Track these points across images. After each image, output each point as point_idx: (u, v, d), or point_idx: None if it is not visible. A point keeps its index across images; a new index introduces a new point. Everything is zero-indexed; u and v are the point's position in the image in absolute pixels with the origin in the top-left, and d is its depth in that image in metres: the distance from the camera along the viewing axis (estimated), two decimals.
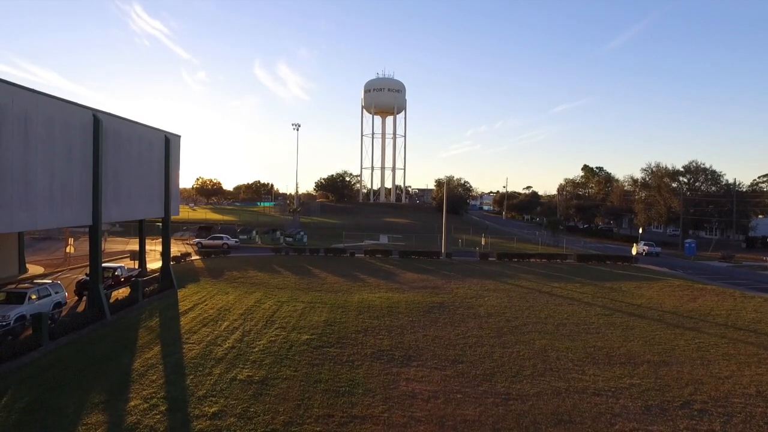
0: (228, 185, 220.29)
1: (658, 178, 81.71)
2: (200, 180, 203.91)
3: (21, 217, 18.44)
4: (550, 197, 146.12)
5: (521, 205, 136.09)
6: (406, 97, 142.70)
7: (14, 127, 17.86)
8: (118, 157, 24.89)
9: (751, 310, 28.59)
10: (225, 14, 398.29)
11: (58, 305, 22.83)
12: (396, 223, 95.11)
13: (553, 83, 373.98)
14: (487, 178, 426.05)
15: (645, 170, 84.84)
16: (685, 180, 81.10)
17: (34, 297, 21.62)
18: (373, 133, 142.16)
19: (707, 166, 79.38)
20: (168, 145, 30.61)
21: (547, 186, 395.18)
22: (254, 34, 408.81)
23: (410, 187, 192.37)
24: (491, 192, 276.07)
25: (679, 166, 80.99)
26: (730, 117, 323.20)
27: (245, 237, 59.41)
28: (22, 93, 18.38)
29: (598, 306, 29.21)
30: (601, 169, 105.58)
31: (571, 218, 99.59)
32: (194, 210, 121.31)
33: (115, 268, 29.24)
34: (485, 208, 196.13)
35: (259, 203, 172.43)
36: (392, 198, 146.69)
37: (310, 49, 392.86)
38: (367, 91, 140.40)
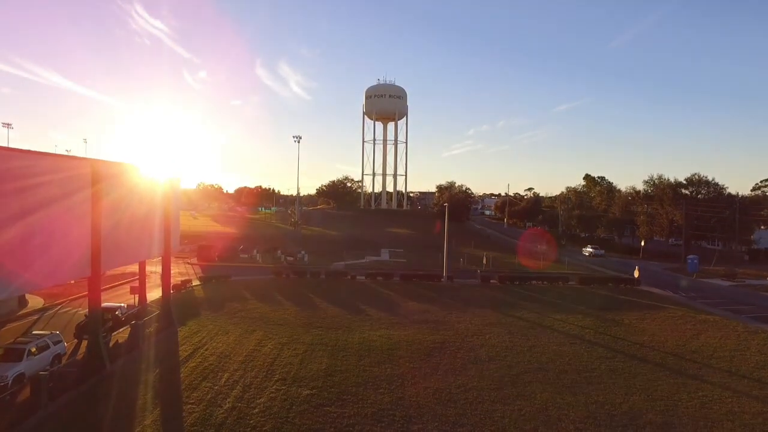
0: (229, 186, 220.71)
1: (661, 190, 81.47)
2: (202, 185, 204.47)
3: (19, 280, 18.30)
4: (552, 200, 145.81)
5: (523, 212, 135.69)
6: (407, 103, 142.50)
7: (11, 191, 17.73)
8: (117, 203, 24.74)
9: (755, 351, 28.38)
10: (226, 13, 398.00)
11: (58, 357, 22.77)
12: (397, 234, 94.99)
13: (555, 82, 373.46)
14: (488, 179, 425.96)
15: (647, 182, 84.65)
16: (688, 192, 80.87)
17: (33, 350, 21.57)
18: (374, 140, 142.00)
19: (710, 178, 79.22)
20: (167, 183, 30.50)
21: (549, 187, 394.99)
22: (255, 34, 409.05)
23: (411, 193, 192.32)
24: (492, 195, 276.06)
25: (681, 177, 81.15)
26: (732, 116, 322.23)
27: (246, 256, 59.43)
28: (19, 155, 18.27)
29: (600, 346, 29.02)
30: (602, 178, 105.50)
31: (572, 228, 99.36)
32: (196, 218, 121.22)
33: (115, 308, 29.16)
34: (487, 212, 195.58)
35: (261, 208, 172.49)
36: (393, 204, 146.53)
37: (311, 48, 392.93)
38: (368, 97, 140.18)
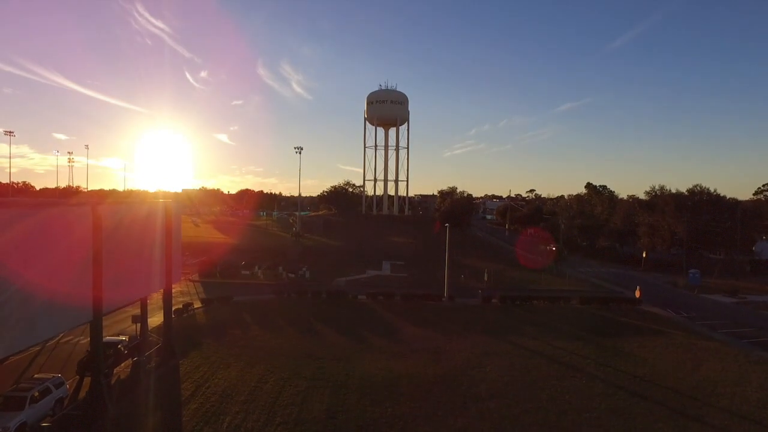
0: (231, 186, 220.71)
1: (663, 201, 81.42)
2: (203, 189, 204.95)
3: (20, 337, 18.41)
4: (554, 203, 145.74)
5: (524, 218, 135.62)
6: (409, 109, 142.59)
7: (11, 248, 17.82)
8: (118, 244, 24.75)
9: (756, 386, 28.33)
10: (227, 13, 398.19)
11: (60, 401, 22.85)
12: (399, 244, 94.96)
13: (557, 82, 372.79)
14: (490, 179, 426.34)
15: (649, 193, 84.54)
16: (689, 203, 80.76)
17: (36, 395, 21.64)
18: (376, 145, 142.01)
19: (711, 189, 79.15)
20: (168, 215, 30.56)
21: (551, 188, 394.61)
22: (257, 33, 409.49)
23: (413, 196, 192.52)
24: (494, 197, 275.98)
25: (682, 178, 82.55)
26: (736, 116, 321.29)
27: (248, 273, 59.62)
28: (19, 212, 18.39)
29: (600, 380, 29.02)
30: (604, 187, 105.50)
31: (574, 238, 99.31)
32: (197, 225, 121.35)
33: (117, 343, 29.10)
34: (488, 217, 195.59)
35: (262, 213, 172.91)
36: (395, 210, 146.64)
37: (312, 48, 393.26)
38: (370, 103, 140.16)
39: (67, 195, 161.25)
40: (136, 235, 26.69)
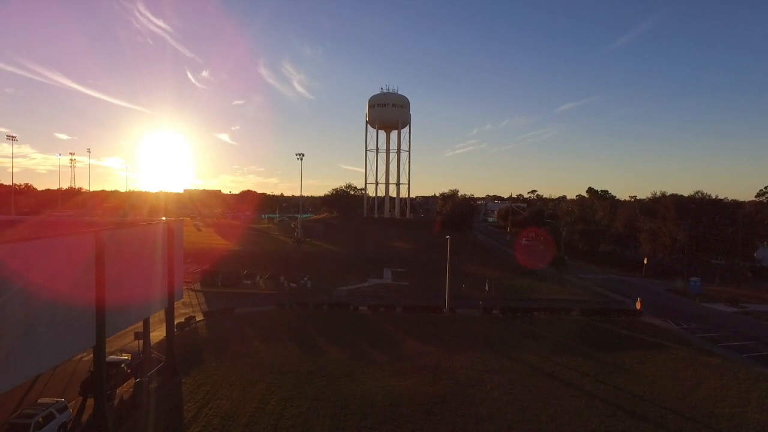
0: (232, 186, 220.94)
1: (664, 207, 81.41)
2: (205, 190, 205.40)
3: (23, 367, 18.59)
4: (555, 204, 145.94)
5: (526, 222, 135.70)
6: (410, 112, 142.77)
7: (13, 280, 18.00)
8: (121, 266, 24.93)
9: (756, 407, 28.39)
10: (229, 13, 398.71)
11: (64, 426, 23.05)
12: (400, 249, 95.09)
13: (558, 81, 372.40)
14: (492, 179, 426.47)
15: (651, 198, 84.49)
16: (692, 206, 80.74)
17: (40, 421, 21.86)
18: (377, 149, 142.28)
19: (713, 196, 79.17)
20: (170, 234, 30.75)
21: (553, 189, 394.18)
22: (258, 33, 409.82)
23: (414, 198, 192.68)
24: (496, 198, 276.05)
25: (684, 179, 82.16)
26: (735, 116, 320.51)
27: (249, 282, 59.84)
28: (21, 246, 18.58)
29: (600, 399, 29.12)
30: (606, 192, 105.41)
31: (575, 243, 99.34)
32: (200, 230, 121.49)
33: (120, 362, 29.27)
34: (490, 219, 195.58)
35: (264, 216, 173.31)
36: (396, 212, 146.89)
37: (313, 48, 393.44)
38: (371, 106, 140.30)
39: (69, 196, 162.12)
40: (139, 257, 26.89)
